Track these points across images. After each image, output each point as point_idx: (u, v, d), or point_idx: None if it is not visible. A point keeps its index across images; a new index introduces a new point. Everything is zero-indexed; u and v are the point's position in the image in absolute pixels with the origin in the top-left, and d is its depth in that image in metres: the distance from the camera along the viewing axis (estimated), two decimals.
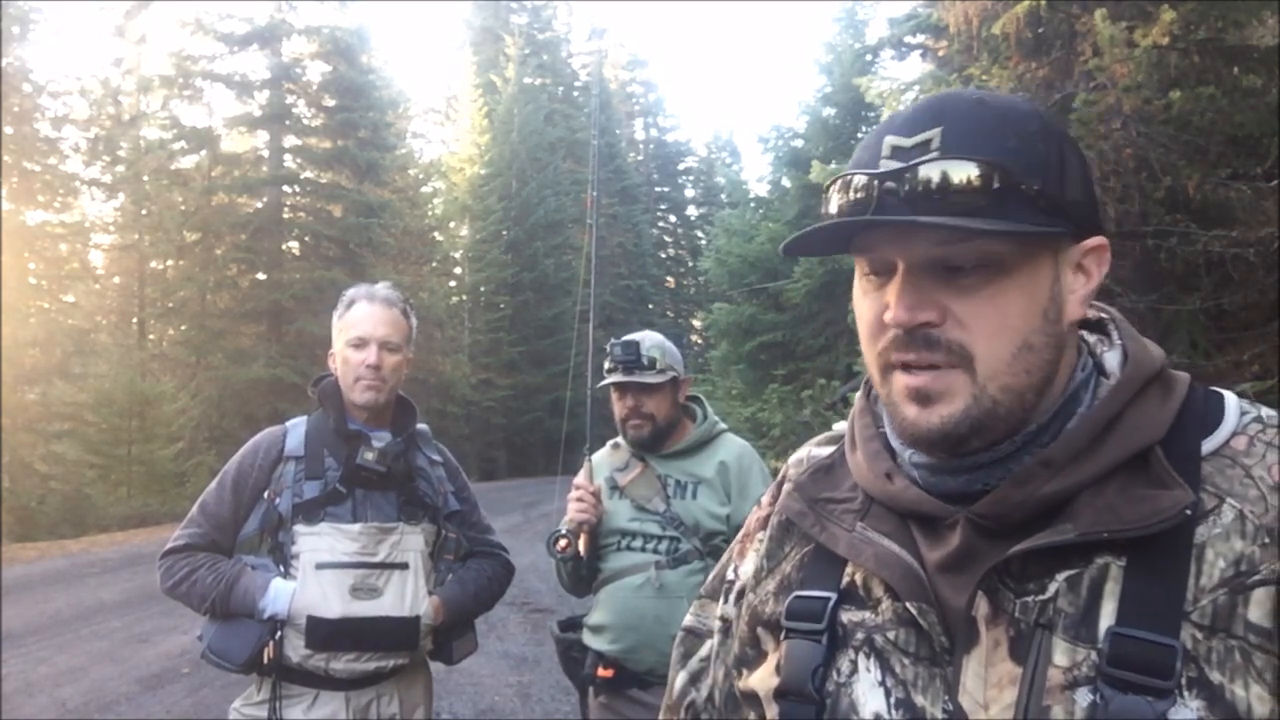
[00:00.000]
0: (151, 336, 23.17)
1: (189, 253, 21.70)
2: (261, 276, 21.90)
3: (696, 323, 35.82)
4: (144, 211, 21.50)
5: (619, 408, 2.50)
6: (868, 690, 0.76)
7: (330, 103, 22.95)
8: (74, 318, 19.03)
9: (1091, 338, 0.82)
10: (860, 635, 0.78)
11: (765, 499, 0.98)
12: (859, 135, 15.83)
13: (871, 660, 0.77)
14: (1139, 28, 5.01)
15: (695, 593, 2.31)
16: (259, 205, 22.10)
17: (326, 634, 2.07)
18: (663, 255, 44.25)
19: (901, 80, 8.27)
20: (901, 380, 0.75)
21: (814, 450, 0.95)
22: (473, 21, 38.31)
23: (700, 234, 42.42)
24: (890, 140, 0.75)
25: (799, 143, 16.08)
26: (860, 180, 0.75)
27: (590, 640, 2.48)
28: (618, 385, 2.48)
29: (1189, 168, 5.32)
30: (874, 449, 0.84)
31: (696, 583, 2.35)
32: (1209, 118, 5.20)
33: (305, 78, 22.95)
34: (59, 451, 15.51)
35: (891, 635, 0.76)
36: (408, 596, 2.15)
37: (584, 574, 2.51)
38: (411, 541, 2.19)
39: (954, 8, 6.40)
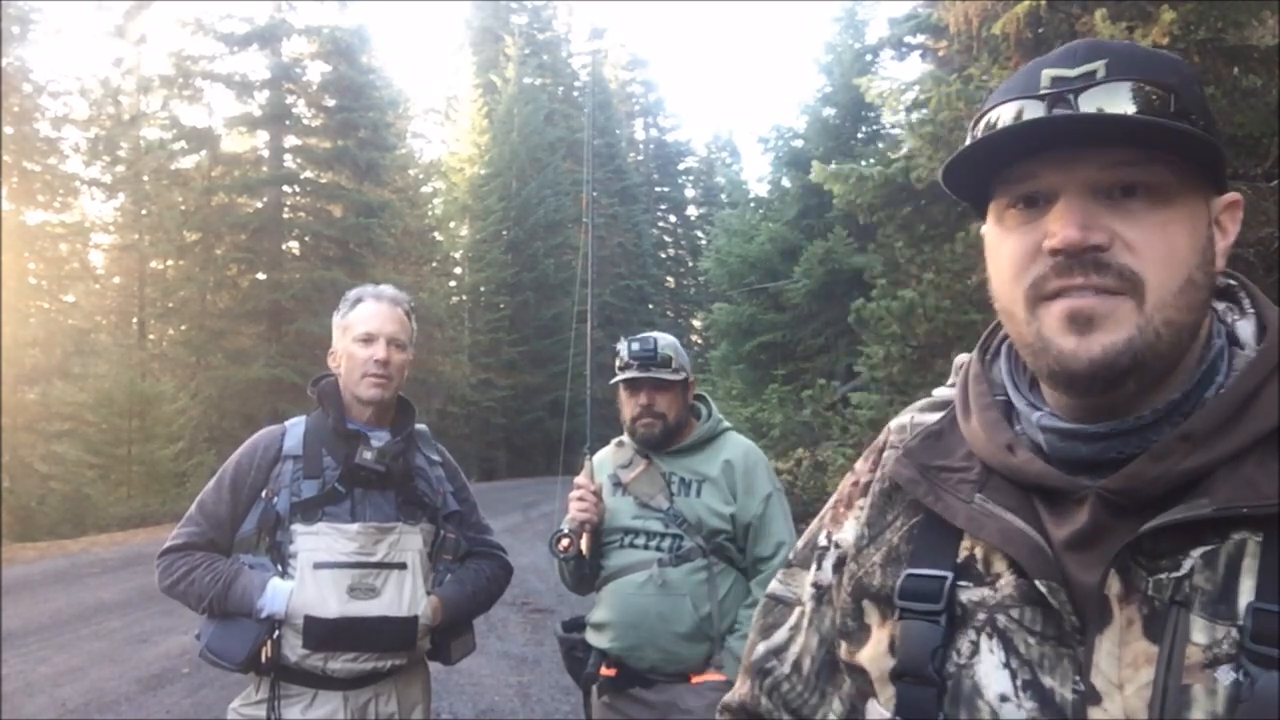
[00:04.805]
0: (151, 336, 23.18)
1: (189, 253, 21.70)
2: (261, 276, 21.90)
3: (696, 323, 35.81)
4: (144, 211, 21.52)
5: (630, 406, 2.49)
6: (991, 671, 0.73)
7: (330, 103, 22.95)
8: (74, 318, 19.07)
9: (1221, 305, 0.79)
10: (981, 615, 0.75)
11: (863, 465, 0.94)
12: (859, 135, 15.83)
13: (994, 641, 0.74)
14: (1139, 28, 5.01)
15: (696, 590, 2.33)
16: (259, 205, 22.09)
17: (324, 634, 2.07)
18: (663, 255, 44.22)
19: (901, 80, 8.27)
20: (1061, 305, 0.71)
21: (918, 416, 0.91)
22: (473, 21, 38.30)
23: (700, 234, 42.40)
24: (1051, 72, 0.73)
25: (799, 143, 16.09)
26: (1027, 105, 0.72)
27: (593, 638, 2.48)
28: (631, 382, 2.47)
29: None
30: (993, 417, 0.80)
31: (699, 580, 2.35)
32: None
33: (305, 78, 22.95)
34: (59, 451, 15.51)
35: (1015, 614, 0.74)
36: (406, 596, 2.14)
37: (586, 573, 2.51)
38: (410, 541, 2.19)
39: (954, 8, 6.40)
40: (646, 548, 2.42)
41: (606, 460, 2.59)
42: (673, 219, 46.69)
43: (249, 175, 22.25)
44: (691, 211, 46.78)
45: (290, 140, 22.91)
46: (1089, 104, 0.70)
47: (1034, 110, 0.72)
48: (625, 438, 2.58)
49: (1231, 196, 0.76)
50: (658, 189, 46.03)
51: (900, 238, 8.02)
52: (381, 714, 2.16)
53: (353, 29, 23.13)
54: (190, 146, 22.18)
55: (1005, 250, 0.76)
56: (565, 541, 2.42)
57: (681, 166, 47.83)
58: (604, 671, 2.43)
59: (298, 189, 23.22)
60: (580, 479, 2.50)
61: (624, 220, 37.41)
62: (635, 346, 2.47)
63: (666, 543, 2.40)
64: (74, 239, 18.66)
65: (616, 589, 2.43)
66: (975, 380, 0.85)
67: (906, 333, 7.14)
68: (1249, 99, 5.16)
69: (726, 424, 2.63)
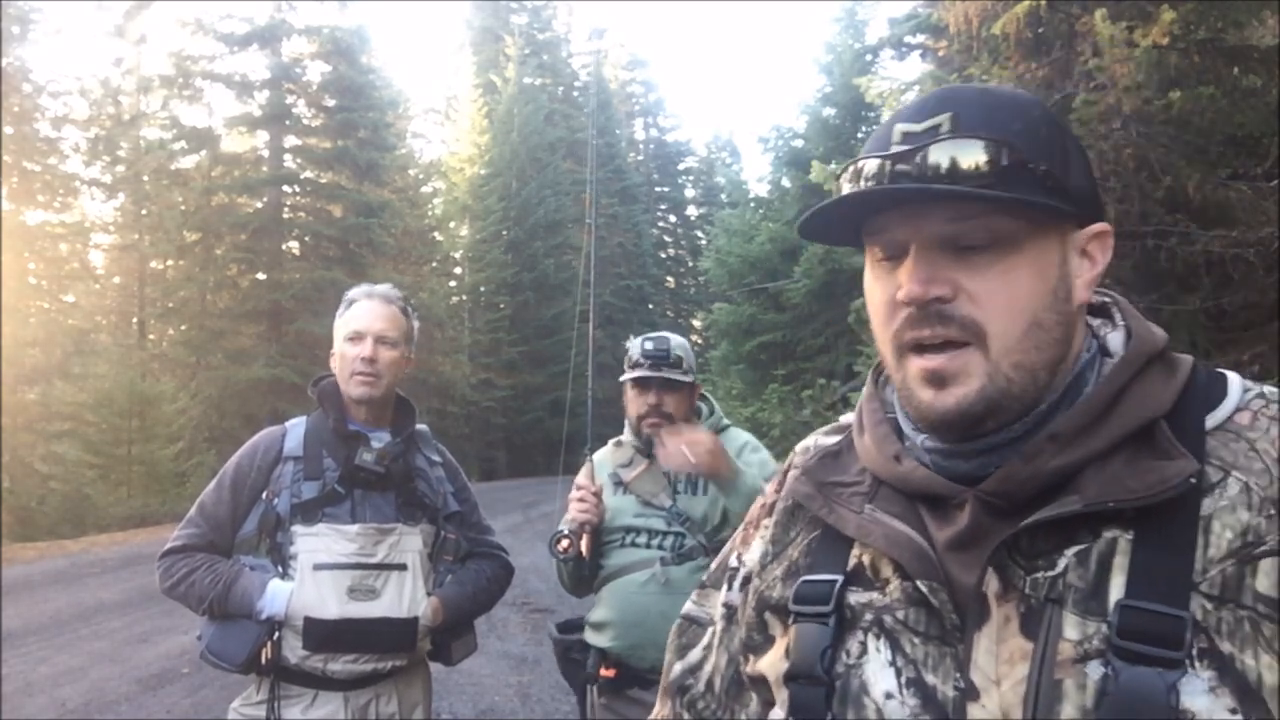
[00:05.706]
0: (151, 336, 23.17)
1: (189, 253, 21.68)
2: (261, 276, 21.88)
3: (696, 323, 35.78)
4: (144, 211, 21.50)
5: (637, 404, 2.48)
6: (878, 670, 0.76)
7: (330, 103, 22.94)
8: (74, 318, 19.02)
9: (1095, 321, 0.83)
10: (869, 616, 0.78)
11: (770, 487, 0.98)
12: (859, 135, 15.84)
13: (881, 640, 0.77)
14: (1139, 28, 5.00)
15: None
16: (259, 205, 22.07)
17: (323, 635, 2.07)
18: (663, 255, 44.19)
19: (901, 80, 8.26)
20: (917, 364, 0.76)
21: (821, 440, 0.96)
22: (473, 21, 38.28)
23: (700, 234, 42.37)
24: (901, 127, 0.77)
25: (799, 143, 16.09)
26: (873, 163, 0.76)
27: (592, 638, 2.47)
28: (641, 380, 2.46)
29: (1189, 168, 5.31)
30: (883, 432, 0.85)
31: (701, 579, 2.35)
32: (1209, 118, 5.19)
33: (305, 78, 22.93)
34: (59, 451, 15.50)
35: (901, 615, 0.76)
36: (405, 598, 2.14)
37: (585, 574, 2.51)
38: (410, 542, 2.19)
39: (954, 8, 6.39)
40: (648, 546, 2.41)
41: (606, 460, 2.59)
42: (673, 219, 46.66)
43: (249, 175, 22.24)
44: (691, 211, 46.75)
45: (290, 140, 22.90)
46: (936, 157, 0.73)
47: (879, 171, 0.76)
48: (624, 437, 2.58)
49: (1099, 227, 0.79)
50: (658, 189, 45.99)
51: None
52: (382, 714, 2.16)
53: (353, 29, 23.12)
54: (190, 146, 22.16)
55: (875, 297, 0.80)
56: (565, 542, 2.41)
57: (681, 166, 47.80)
58: (603, 672, 2.42)
59: (298, 189, 23.20)
60: (580, 479, 2.49)
61: (624, 220, 37.38)
62: (649, 345, 2.46)
63: (669, 541, 2.40)
64: (74, 239, 18.62)
65: (618, 588, 2.42)
66: (869, 400, 0.89)
67: None
68: (1249, 99, 5.16)
69: (727, 421, 2.64)
